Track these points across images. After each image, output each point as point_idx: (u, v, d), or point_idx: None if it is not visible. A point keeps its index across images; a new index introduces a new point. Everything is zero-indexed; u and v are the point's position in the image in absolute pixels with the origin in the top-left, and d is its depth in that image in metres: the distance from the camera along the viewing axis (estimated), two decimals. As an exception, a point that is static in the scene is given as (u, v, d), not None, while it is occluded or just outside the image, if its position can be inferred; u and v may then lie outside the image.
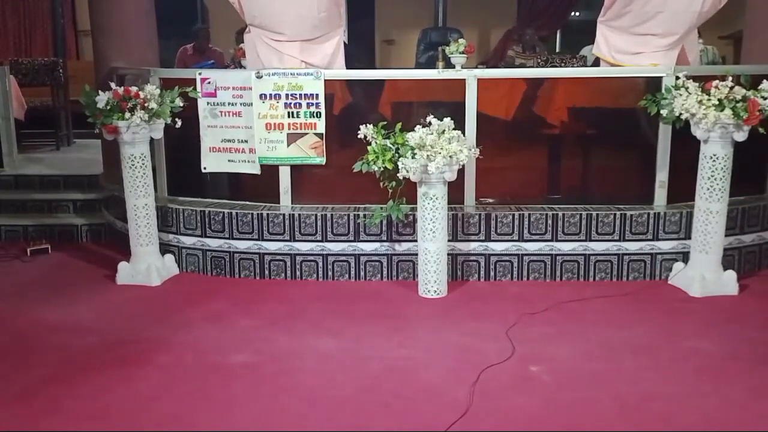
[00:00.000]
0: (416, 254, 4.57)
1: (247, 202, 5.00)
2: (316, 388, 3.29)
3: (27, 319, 4.16)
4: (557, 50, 10.51)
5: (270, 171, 4.95)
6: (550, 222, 4.69)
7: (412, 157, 4.16)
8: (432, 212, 4.34)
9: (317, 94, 4.80)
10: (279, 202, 4.96)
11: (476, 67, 5.82)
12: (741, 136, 4.22)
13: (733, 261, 4.73)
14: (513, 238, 4.71)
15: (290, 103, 4.82)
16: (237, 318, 4.17)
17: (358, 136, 4.37)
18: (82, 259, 5.32)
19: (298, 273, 4.82)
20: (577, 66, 6.39)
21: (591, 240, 4.70)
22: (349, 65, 5.28)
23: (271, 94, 4.82)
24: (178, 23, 8.39)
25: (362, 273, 4.79)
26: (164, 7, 6.38)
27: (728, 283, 4.43)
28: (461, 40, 5.04)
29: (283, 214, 4.79)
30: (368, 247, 4.76)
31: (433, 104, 4.87)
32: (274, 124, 4.85)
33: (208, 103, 4.94)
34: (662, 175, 4.83)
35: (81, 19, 10.65)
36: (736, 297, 4.39)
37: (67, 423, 3.01)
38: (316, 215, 4.76)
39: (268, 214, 4.81)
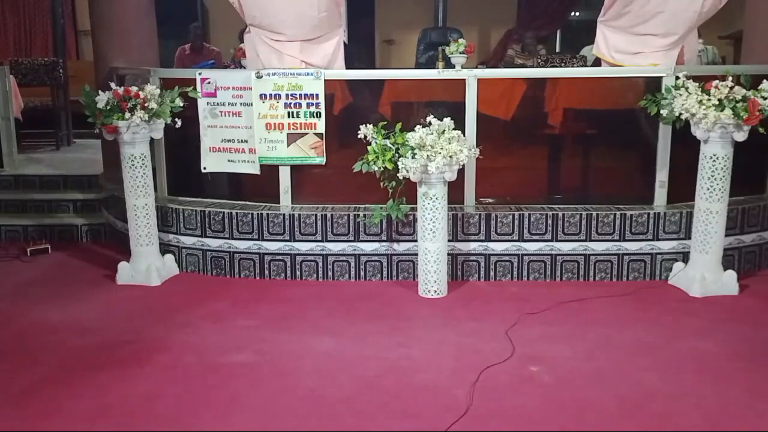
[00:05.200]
0: (416, 254, 4.57)
1: (247, 202, 5.00)
2: (316, 388, 3.29)
3: (27, 319, 4.16)
4: (557, 50, 10.51)
5: (270, 171, 4.95)
6: (550, 222, 4.69)
7: (412, 157, 4.16)
8: (432, 212, 4.34)
9: (317, 94, 4.80)
10: (279, 202, 4.96)
11: (476, 67, 5.82)
12: (741, 136, 4.22)
13: (733, 261, 4.73)
14: (513, 238, 4.71)
15: (290, 103, 4.82)
16: (237, 318, 4.17)
17: (358, 136, 4.38)
18: (82, 259, 5.32)
19: (298, 273, 4.82)
20: (577, 66, 6.39)
21: (591, 240, 4.70)
22: (349, 65, 5.28)
23: (271, 94, 4.82)
24: (178, 23, 8.38)
25: (362, 273, 4.79)
26: (164, 7, 6.39)
27: (728, 283, 4.43)
28: (461, 40, 5.04)
29: (283, 214, 4.79)
30: (368, 247, 4.76)
31: (433, 104, 4.88)
32: (274, 124, 4.85)
33: (208, 103, 4.94)
34: (662, 175, 4.84)
35: (81, 19, 10.66)
36: (736, 297, 4.39)
37: (67, 423, 3.01)
38: (316, 215, 4.76)
39: (268, 214, 4.81)
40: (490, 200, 4.91)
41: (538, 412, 3.07)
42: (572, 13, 10.51)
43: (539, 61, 6.78)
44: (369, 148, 4.34)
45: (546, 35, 9.71)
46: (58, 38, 9.99)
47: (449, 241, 4.57)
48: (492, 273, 4.76)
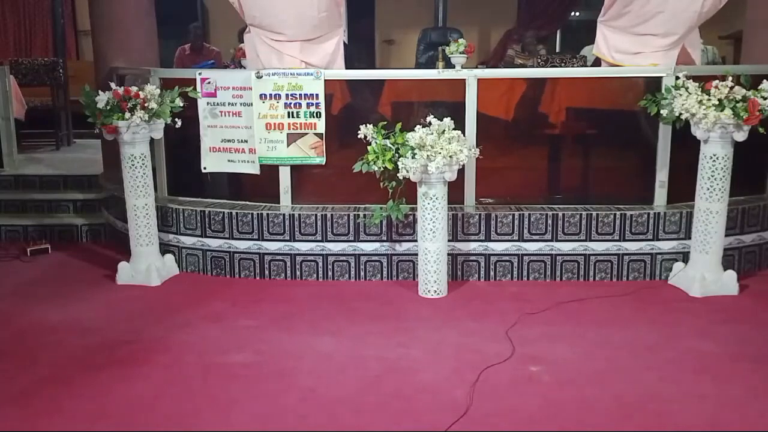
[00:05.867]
0: (416, 254, 4.57)
1: (247, 202, 5.00)
2: (316, 388, 3.29)
3: (27, 319, 4.16)
4: (557, 50, 10.51)
5: (270, 171, 4.95)
6: (550, 222, 4.69)
7: (412, 157, 4.16)
8: (432, 212, 4.34)
9: (317, 94, 4.80)
10: (279, 202, 4.96)
11: (476, 67, 5.82)
12: (741, 136, 4.22)
13: (733, 261, 4.73)
14: (513, 238, 4.71)
15: (290, 103, 4.82)
16: (237, 318, 4.17)
17: (358, 136, 4.38)
18: (82, 259, 5.32)
19: (298, 273, 4.82)
20: (577, 66, 6.39)
21: (591, 240, 4.69)
22: (349, 65, 5.28)
23: (271, 94, 4.82)
24: (178, 23, 8.38)
25: (362, 273, 4.79)
26: (164, 7, 6.38)
27: (728, 283, 4.42)
28: (461, 40, 5.04)
29: (283, 214, 4.79)
30: (368, 247, 4.76)
31: (433, 104, 4.88)
32: (274, 124, 4.85)
33: (208, 103, 4.94)
34: (662, 175, 4.84)
35: (81, 19, 10.66)
36: (736, 297, 4.39)
37: (67, 423, 3.01)
38: (316, 215, 4.76)
39: (268, 214, 4.80)
40: (490, 200, 4.91)
41: (538, 412, 3.07)
42: (572, 13, 10.50)
43: (539, 61, 6.78)
44: (369, 148, 4.34)
45: (546, 35, 9.70)
46: (58, 38, 9.99)
47: (449, 241, 4.57)
48: (492, 273, 4.76)
